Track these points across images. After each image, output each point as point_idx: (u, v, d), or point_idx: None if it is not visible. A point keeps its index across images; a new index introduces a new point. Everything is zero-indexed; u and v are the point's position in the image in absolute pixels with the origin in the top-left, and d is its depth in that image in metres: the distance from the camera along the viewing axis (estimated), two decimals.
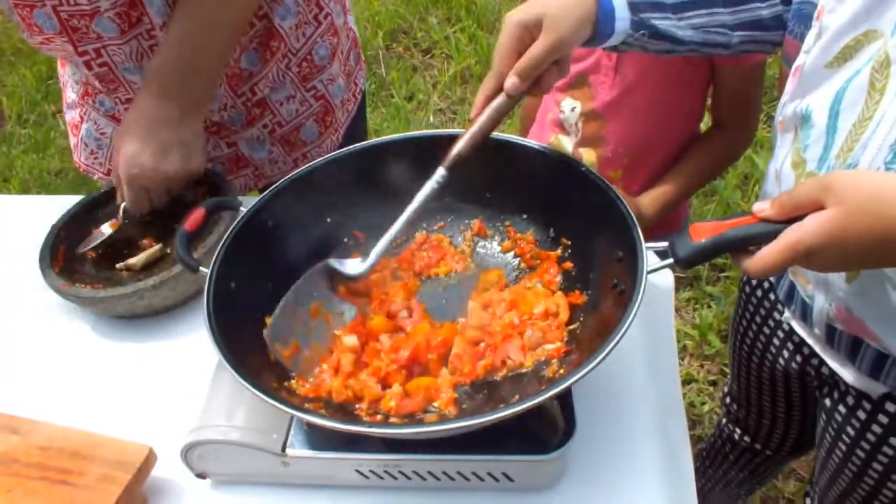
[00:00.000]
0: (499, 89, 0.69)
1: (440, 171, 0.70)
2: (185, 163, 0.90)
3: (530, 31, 0.67)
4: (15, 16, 0.89)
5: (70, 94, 1.09)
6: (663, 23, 0.73)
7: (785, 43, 0.77)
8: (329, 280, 0.73)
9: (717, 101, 1.09)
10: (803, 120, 0.70)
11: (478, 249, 0.83)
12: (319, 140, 1.14)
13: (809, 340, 0.84)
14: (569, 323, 0.72)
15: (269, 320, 0.69)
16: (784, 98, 0.74)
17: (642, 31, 0.73)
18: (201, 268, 0.70)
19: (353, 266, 0.74)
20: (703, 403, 1.73)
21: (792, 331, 0.88)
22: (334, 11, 1.07)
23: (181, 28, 0.86)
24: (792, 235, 0.53)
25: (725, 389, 1.17)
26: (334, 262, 0.74)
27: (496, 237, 0.83)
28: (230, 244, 0.72)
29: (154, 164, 0.87)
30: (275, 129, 1.09)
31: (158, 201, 0.93)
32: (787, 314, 0.86)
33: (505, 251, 0.82)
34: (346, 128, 1.18)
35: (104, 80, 0.96)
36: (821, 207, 0.52)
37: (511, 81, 0.67)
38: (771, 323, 0.93)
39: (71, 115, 1.11)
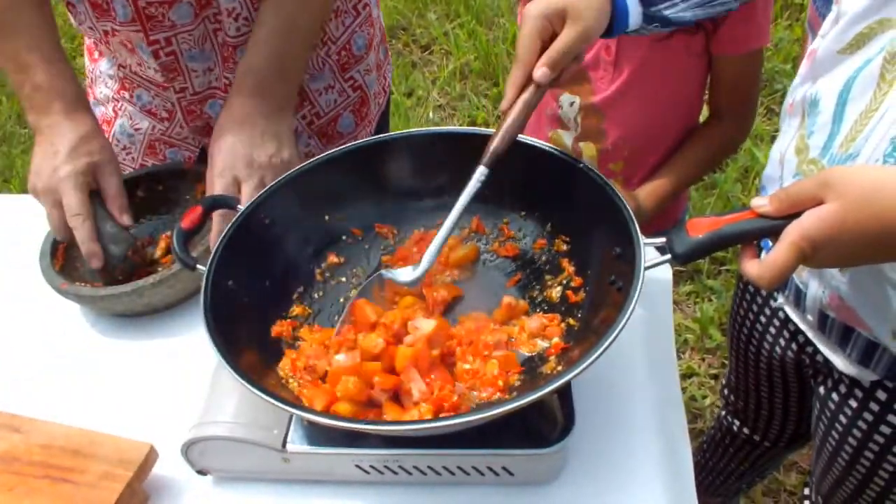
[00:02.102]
0: (526, 80, 0.69)
1: (481, 170, 0.69)
2: (279, 152, 0.87)
3: (552, 23, 0.68)
4: (75, 4, 0.89)
5: (102, 90, 1.09)
6: (672, 10, 0.75)
7: (810, 16, 0.77)
8: (381, 288, 0.75)
9: (715, 92, 1.09)
10: (811, 105, 0.70)
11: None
12: (355, 131, 1.14)
13: (803, 326, 0.84)
14: (567, 319, 0.72)
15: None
16: (795, 81, 0.74)
17: (654, 24, 0.75)
18: (199, 266, 0.70)
19: (405, 274, 0.74)
20: (704, 397, 1.73)
21: (787, 319, 0.88)
22: (371, 2, 1.08)
23: (266, 31, 0.87)
24: (793, 233, 0.52)
25: (724, 381, 1.18)
26: (386, 273, 0.75)
27: (493, 234, 0.84)
28: (227, 242, 0.72)
29: (248, 152, 0.85)
30: (313, 120, 1.09)
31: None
32: (780, 300, 0.87)
33: (500, 255, 0.82)
34: (376, 122, 1.18)
35: (168, 68, 0.97)
36: (820, 203, 0.52)
37: (542, 71, 0.68)
38: (767, 311, 0.94)
39: (101, 112, 1.11)
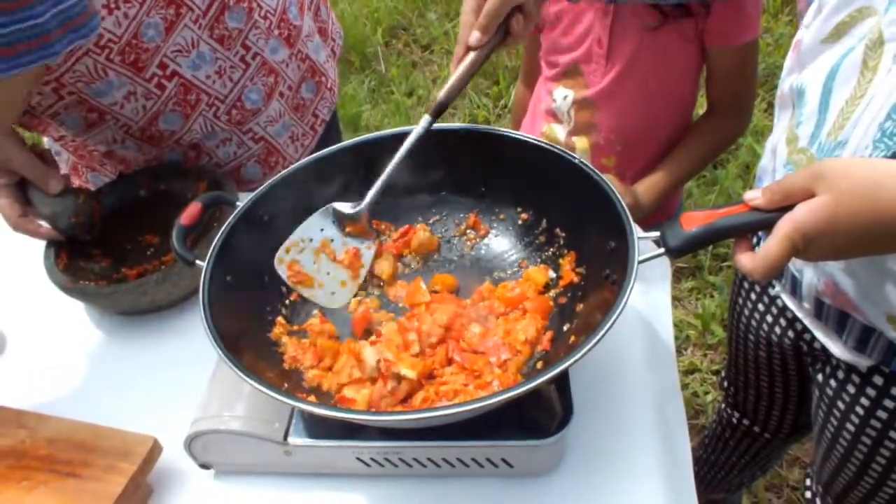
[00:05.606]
0: (466, 53, 0.74)
1: (425, 118, 0.74)
2: None
3: None
4: None
5: None
6: None
7: (800, 8, 0.77)
8: (334, 218, 0.80)
9: (711, 86, 1.09)
10: (798, 95, 0.70)
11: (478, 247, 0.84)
12: (265, 179, 1.06)
13: (799, 314, 0.85)
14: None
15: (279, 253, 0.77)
16: (784, 72, 0.74)
17: None
18: (198, 261, 0.71)
19: (352, 207, 0.79)
20: (706, 393, 1.74)
21: (785, 306, 0.89)
22: (267, 49, 0.99)
23: None
24: (785, 226, 0.53)
25: (723, 373, 1.18)
26: (337, 205, 0.79)
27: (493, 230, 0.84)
28: (225, 238, 0.72)
29: None
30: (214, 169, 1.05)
31: None
32: (777, 288, 0.87)
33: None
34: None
35: (27, 125, 0.94)
36: (812, 196, 0.52)
37: (474, 36, 0.72)
38: (766, 299, 0.94)
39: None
